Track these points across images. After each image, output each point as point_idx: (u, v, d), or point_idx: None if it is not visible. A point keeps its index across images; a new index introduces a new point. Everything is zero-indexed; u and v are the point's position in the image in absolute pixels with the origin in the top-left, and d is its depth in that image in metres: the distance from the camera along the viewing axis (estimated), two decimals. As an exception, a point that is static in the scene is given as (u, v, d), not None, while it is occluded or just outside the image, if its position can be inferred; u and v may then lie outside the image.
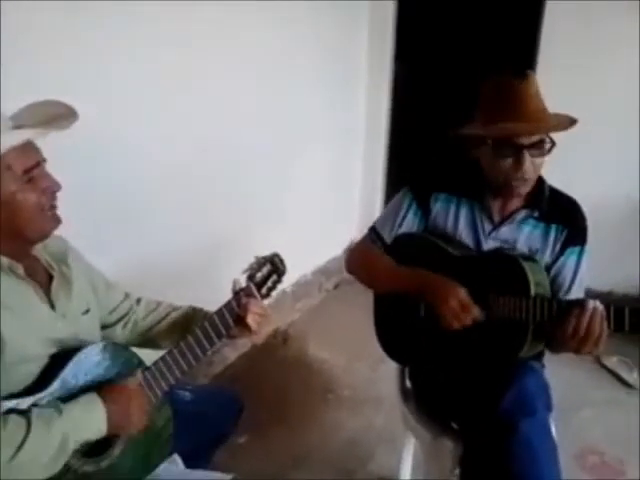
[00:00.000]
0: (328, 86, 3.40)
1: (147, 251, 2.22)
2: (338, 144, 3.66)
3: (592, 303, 1.31)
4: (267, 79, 2.82)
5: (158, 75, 2.14)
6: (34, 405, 1.09)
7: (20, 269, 1.16)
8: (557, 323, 1.36)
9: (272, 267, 1.52)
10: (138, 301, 1.52)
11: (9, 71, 1.55)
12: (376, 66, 3.72)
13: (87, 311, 1.33)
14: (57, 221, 1.21)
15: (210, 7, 2.29)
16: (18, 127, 1.11)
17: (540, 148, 1.49)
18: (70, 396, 1.14)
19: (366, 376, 2.78)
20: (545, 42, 3.19)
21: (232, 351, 2.84)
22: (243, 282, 1.45)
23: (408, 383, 1.90)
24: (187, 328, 1.44)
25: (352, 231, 3.90)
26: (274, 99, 2.91)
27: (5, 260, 1.14)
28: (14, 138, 1.08)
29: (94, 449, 1.17)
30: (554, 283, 1.57)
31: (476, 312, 1.48)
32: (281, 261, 1.55)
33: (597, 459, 2.27)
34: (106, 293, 1.44)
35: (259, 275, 1.48)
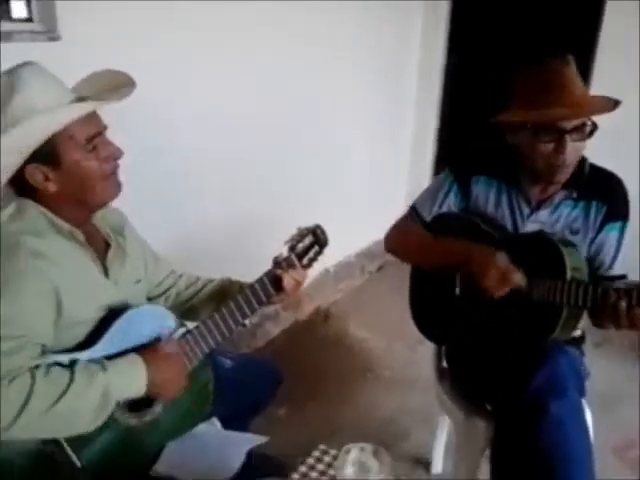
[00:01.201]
0: (379, 73, 3.39)
1: (189, 229, 2.30)
2: (387, 127, 3.65)
3: (635, 290, 1.29)
4: (317, 65, 2.85)
5: (204, 56, 2.19)
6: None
7: (80, 235, 1.23)
8: (597, 307, 1.35)
9: (314, 238, 1.54)
10: (180, 276, 1.59)
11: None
12: (428, 51, 3.67)
13: (138, 281, 1.40)
14: (119, 187, 1.26)
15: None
16: (81, 99, 1.17)
17: (582, 132, 1.47)
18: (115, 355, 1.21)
19: (405, 357, 2.80)
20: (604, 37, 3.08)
21: (274, 326, 2.92)
22: (285, 252, 1.50)
23: (444, 363, 1.92)
24: (224, 298, 1.50)
25: (398, 214, 3.90)
26: (323, 84, 2.93)
27: (66, 225, 1.20)
28: (74, 112, 1.13)
29: (138, 404, 1.25)
30: (595, 260, 1.56)
31: (518, 278, 1.46)
32: (323, 232, 1.57)
33: (637, 453, 2.24)
34: (155, 267, 1.51)
35: (300, 246, 1.51)
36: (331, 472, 1.12)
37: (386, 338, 2.96)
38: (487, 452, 1.64)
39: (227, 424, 1.55)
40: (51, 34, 1.64)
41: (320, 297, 3.21)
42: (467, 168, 1.70)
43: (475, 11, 3.53)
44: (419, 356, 2.70)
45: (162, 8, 1.97)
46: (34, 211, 1.18)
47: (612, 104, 1.47)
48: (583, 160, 1.59)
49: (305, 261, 1.53)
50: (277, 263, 1.48)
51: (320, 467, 1.14)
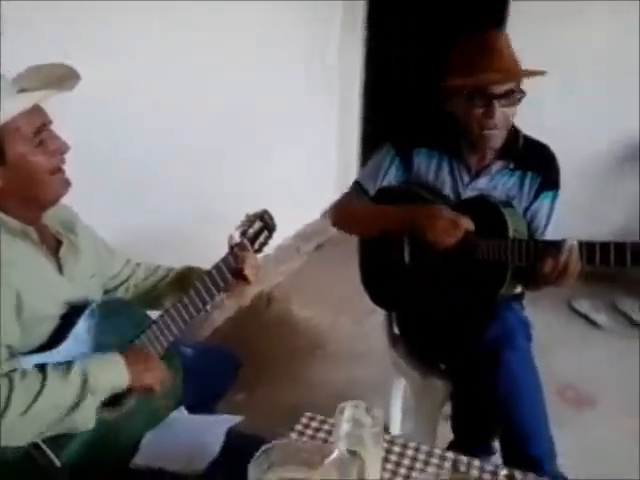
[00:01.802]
0: (304, 64, 3.51)
1: (135, 220, 2.27)
2: (314, 112, 3.73)
3: (569, 241, 1.40)
4: (246, 51, 2.89)
5: (155, 59, 2.26)
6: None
7: (33, 233, 1.20)
8: (537, 262, 1.45)
9: (263, 223, 1.58)
10: (138, 265, 1.57)
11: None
12: (349, 28, 3.76)
13: (92, 276, 1.38)
14: (67, 184, 1.23)
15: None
16: (23, 90, 1.13)
17: (510, 98, 1.56)
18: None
19: (352, 331, 2.89)
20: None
21: (219, 314, 2.91)
22: (237, 238, 1.52)
23: (396, 329, 2.00)
24: (186, 285, 1.49)
25: (329, 196, 4.01)
26: (257, 79, 2.99)
27: (18, 224, 1.17)
28: (22, 102, 1.09)
29: (112, 398, 1.24)
30: (530, 227, 1.66)
31: (465, 222, 1.55)
32: (270, 218, 1.61)
33: (573, 393, 2.43)
34: (109, 260, 1.49)
35: (251, 231, 1.54)
36: (320, 435, 1.15)
37: (330, 315, 3.03)
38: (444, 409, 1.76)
39: (193, 411, 1.55)
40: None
41: (261, 282, 3.23)
42: (408, 142, 1.76)
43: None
44: (366, 329, 2.80)
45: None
46: None
47: (539, 72, 1.57)
48: (517, 132, 1.69)
49: (256, 246, 1.57)
50: (231, 248, 1.49)
51: (309, 432, 1.17)
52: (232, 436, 1.34)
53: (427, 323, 1.77)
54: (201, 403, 1.60)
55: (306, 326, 2.99)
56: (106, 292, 1.48)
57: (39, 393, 1.05)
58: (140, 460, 1.26)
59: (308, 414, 1.24)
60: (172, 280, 1.57)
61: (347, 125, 4.01)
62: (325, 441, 1.11)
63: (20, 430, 1.04)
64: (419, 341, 1.85)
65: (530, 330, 1.59)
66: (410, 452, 1.10)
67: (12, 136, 1.10)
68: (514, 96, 1.57)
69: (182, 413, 1.48)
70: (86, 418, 1.12)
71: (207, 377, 1.60)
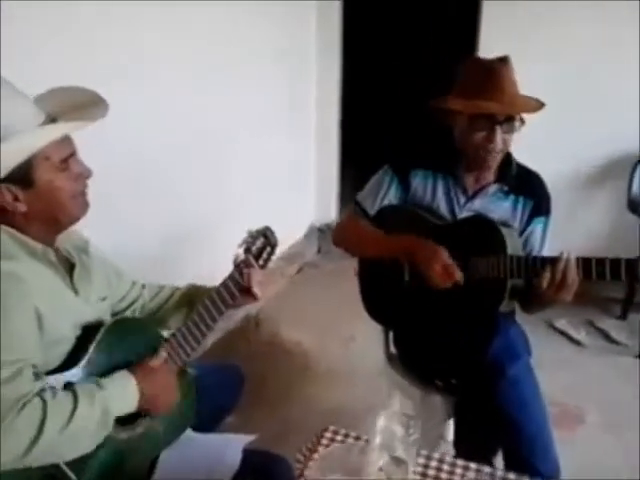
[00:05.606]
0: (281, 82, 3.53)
1: (123, 238, 2.26)
2: (294, 133, 3.78)
3: (565, 254, 1.47)
4: (222, 68, 2.90)
5: (134, 61, 2.20)
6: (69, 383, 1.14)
7: (52, 255, 1.22)
8: (536, 277, 1.51)
9: (265, 240, 1.60)
10: (144, 286, 1.58)
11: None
12: (325, 54, 3.85)
13: (104, 299, 1.39)
14: (87, 206, 1.26)
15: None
16: (50, 117, 1.15)
17: (511, 125, 1.64)
18: (103, 372, 1.20)
19: (340, 352, 2.91)
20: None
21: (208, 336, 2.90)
22: (242, 255, 1.53)
23: (393, 349, 2.03)
24: (192, 304, 1.52)
25: (309, 218, 4.08)
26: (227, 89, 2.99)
27: (39, 246, 1.19)
28: (53, 133, 1.12)
29: (128, 417, 1.24)
30: (524, 250, 1.73)
31: (458, 275, 1.61)
32: (272, 233, 1.63)
33: (558, 409, 2.48)
34: (118, 282, 1.49)
35: (254, 248, 1.56)
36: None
37: (317, 337, 3.04)
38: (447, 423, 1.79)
39: (199, 429, 1.55)
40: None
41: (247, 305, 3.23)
42: (405, 163, 1.82)
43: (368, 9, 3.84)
44: (353, 350, 2.84)
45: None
46: (2, 234, 1.15)
47: (538, 105, 1.66)
48: (510, 157, 1.76)
49: (260, 262, 1.59)
50: (237, 265, 1.52)
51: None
52: (248, 453, 1.35)
53: (426, 341, 1.82)
54: (207, 423, 1.61)
55: (295, 348, 3.00)
56: (114, 314, 1.47)
57: (72, 413, 1.05)
58: (160, 478, 1.26)
59: (332, 428, 1.26)
60: (177, 300, 1.59)
61: (327, 146, 4.07)
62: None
63: (56, 448, 1.04)
64: (417, 359, 1.89)
65: (529, 343, 1.65)
66: (434, 463, 1.13)
67: (41, 164, 1.13)
68: (514, 124, 1.64)
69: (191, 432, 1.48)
70: (97, 442, 1.13)
71: (212, 395, 1.61)
